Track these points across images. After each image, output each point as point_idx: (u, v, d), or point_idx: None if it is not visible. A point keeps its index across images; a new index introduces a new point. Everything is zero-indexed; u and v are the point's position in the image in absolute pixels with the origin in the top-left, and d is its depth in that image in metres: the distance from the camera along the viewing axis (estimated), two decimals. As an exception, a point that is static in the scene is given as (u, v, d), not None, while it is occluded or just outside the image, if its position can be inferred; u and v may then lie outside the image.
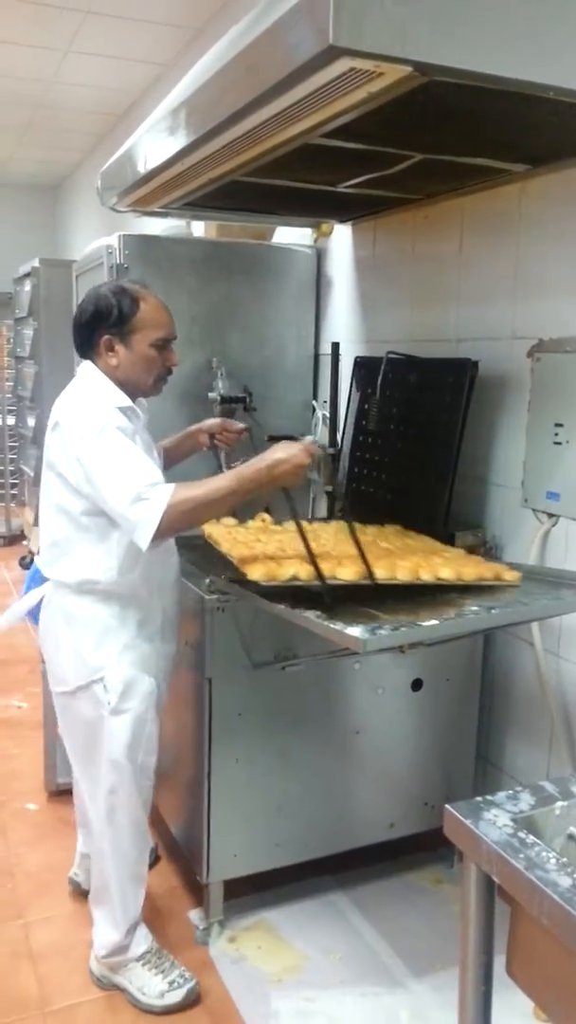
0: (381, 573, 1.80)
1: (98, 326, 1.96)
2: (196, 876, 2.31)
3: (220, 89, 1.69)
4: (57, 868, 2.58)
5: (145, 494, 1.77)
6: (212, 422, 2.37)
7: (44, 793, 3.02)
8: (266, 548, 2.00)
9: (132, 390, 1.99)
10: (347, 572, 1.79)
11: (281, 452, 1.83)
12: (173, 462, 2.33)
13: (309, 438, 2.80)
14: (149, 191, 2.39)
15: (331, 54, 1.28)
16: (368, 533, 2.23)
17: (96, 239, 3.11)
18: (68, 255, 5.89)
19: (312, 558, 1.78)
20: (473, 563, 1.99)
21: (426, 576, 1.84)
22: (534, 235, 2.22)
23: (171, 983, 2.08)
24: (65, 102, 5.42)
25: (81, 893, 2.39)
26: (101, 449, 1.83)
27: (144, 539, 1.77)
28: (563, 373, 2.12)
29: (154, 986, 2.07)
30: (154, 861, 2.53)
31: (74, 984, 2.15)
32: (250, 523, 2.28)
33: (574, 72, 1.43)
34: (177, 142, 1.94)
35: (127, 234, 2.83)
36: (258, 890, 2.41)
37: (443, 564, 1.91)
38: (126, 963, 2.11)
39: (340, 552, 1.93)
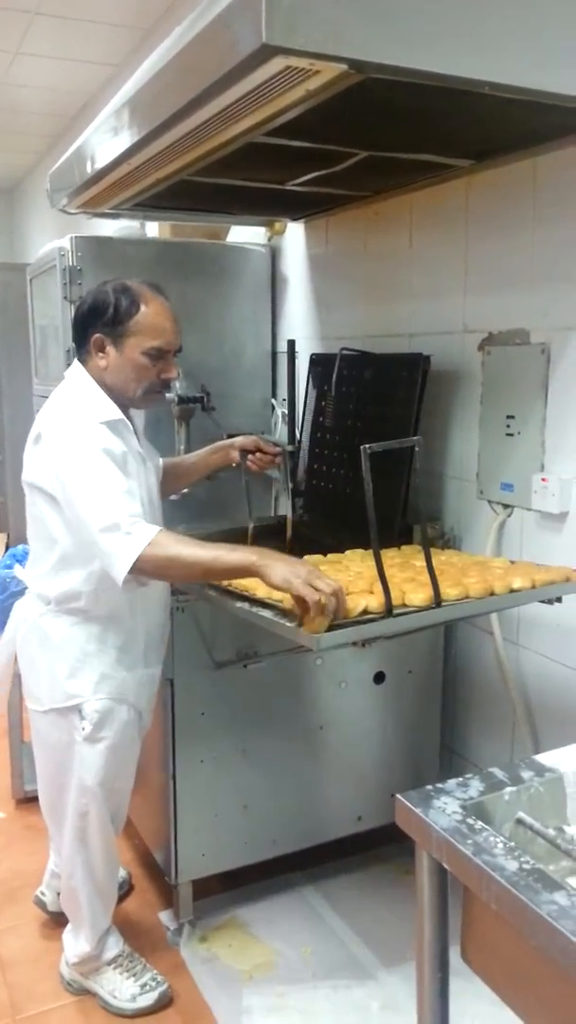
0: (454, 593, 1.71)
1: (92, 323, 1.85)
2: (165, 877, 2.31)
3: (161, 89, 1.69)
4: (25, 875, 2.57)
5: (126, 527, 1.66)
6: (246, 439, 2.22)
7: (12, 801, 3.00)
8: None
9: (119, 398, 1.88)
10: (418, 598, 1.68)
11: (282, 568, 1.59)
12: (198, 476, 2.25)
13: (270, 438, 2.83)
14: (98, 192, 2.37)
15: (265, 53, 1.28)
16: (392, 555, 2.09)
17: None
18: (25, 259, 5.84)
19: (386, 588, 1.61)
20: (532, 569, 1.91)
21: (499, 589, 1.76)
22: (482, 229, 2.24)
23: (143, 986, 2.08)
24: (16, 104, 5.37)
25: (46, 913, 2.35)
26: (82, 472, 1.73)
27: (120, 572, 1.66)
28: (513, 365, 2.14)
29: (126, 989, 2.07)
30: (127, 892, 2.47)
31: (45, 990, 2.14)
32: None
33: (509, 67, 1.44)
34: (122, 142, 1.93)
35: (79, 236, 2.82)
36: (228, 888, 2.42)
37: (505, 575, 1.82)
38: (97, 968, 2.11)
39: (389, 577, 1.70)
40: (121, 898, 2.37)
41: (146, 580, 1.74)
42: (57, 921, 2.29)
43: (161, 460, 2.21)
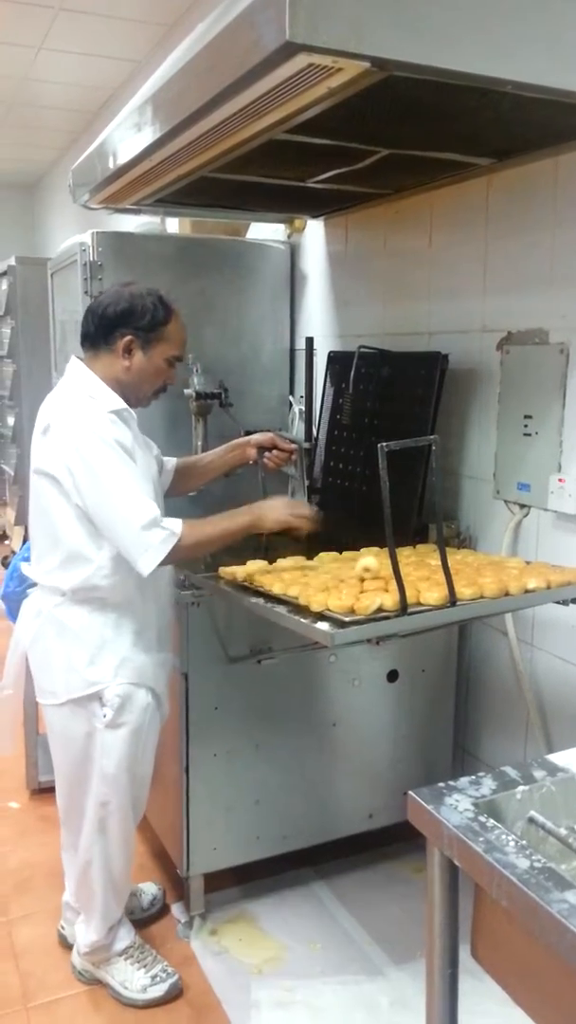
0: (468, 593, 1.72)
1: (124, 324, 1.91)
2: (177, 870, 2.33)
3: (184, 86, 1.70)
4: (38, 865, 2.59)
5: (160, 522, 1.79)
6: (262, 436, 2.26)
7: (26, 791, 3.02)
8: (326, 581, 1.81)
9: (128, 396, 1.94)
10: (433, 596, 1.69)
11: (271, 513, 1.92)
12: (215, 474, 2.27)
13: (286, 434, 2.83)
14: (120, 188, 2.39)
15: (288, 50, 1.28)
16: (408, 554, 2.10)
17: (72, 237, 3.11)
18: (46, 254, 5.87)
19: (401, 586, 1.64)
20: (547, 570, 1.91)
21: (514, 590, 1.77)
22: (502, 228, 2.23)
23: (153, 977, 2.09)
24: (39, 100, 5.40)
25: (68, 947, 2.23)
26: (100, 467, 1.80)
27: (150, 566, 1.78)
28: (531, 365, 2.14)
29: (136, 980, 2.08)
30: (159, 911, 2.39)
31: (56, 979, 2.16)
32: (280, 561, 2.05)
33: (531, 66, 1.44)
34: (144, 138, 1.94)
35: (100, 231, 2.83)
36: (239, 883, 2.44)
37: (520, 575, 1.82)
38: (109, 958, 2.12)
39: (404, 575, 1.73)
40: (153, 917, 2.35)
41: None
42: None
43: (177, 460, 2.25)
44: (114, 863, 2.05)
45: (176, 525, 1.81)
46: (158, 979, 2.09)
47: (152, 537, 1.78)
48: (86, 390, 1.91)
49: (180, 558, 1.87)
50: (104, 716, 1.92)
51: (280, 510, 1.93)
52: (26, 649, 2.04)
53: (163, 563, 1.80)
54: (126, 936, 2.14)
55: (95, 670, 1.92)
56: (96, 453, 1.80)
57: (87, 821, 2.03)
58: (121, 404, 1.91)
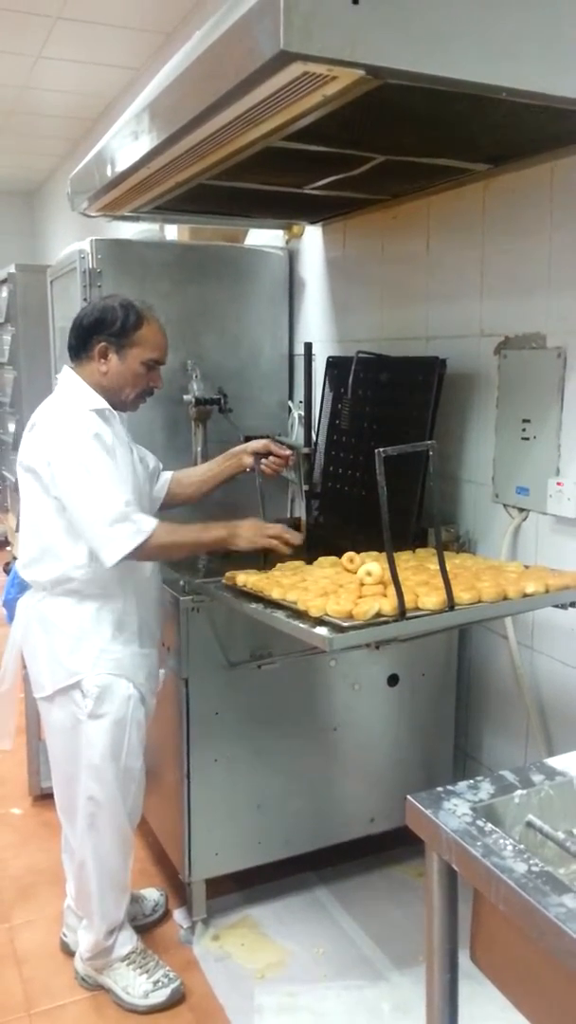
0: (467, 597, 1.73)
1: (98, 331, 2.01)
2: (178, 876, 2.33)
3: (181, 94, 1.71)
4: (41, 871, 2.60)
5: (131, 515, 1.85)
6: (258, 443, 2.28)
7: (28, 798, 3.03)
8: (325, 586, 1.81)
9: (111, 400, 2.02)
10: (431, 601, 1.69)
11: (245, 532, 2.00)
12: (213, 485, 2.29)
13: (285, 439, 2.84)
14: (118, 195, 2.40)
15: (283, 59, 1.29)
16: (407, 558, 2.09)
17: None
18: (46, 261, 5.89)
19: (399, 591, 1.64)
20: (546, 574, 1.90)
21: (513, 594, 1.77)
22: (499, 233, 2.24)
23: (155, 983, 2.09)
24: (38, 108, 5.42)
25: (70, 954, 2.23)
26: (76, 458, 1.87)
27: (113, 557, 1.85)
28: (529, 369, 2.14)
29: (139, 986, 2.08)
30: (161, 916, 2.39)
31: (59, 985, 2.16)
32: (280, 565, 2.06)
33: (526, 72, 1.45)
34: (142, 146, 1.95)
35: (99, 239, 2.84)
36: (241, 888, 2.44)
37: (519, 579, 1.83)
38: (111, 963, 2.12)
39: (403, 580, 1.73)
40: (154, 923, 2.36)
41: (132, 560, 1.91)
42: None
43: (173, 472, 2.28)
44: (109, 861, 2.06)
45: (148, 524, 1.87)
46: (160, 984, 2.09)
47: (120, 531, 1.84)
48: (71, 392, 2.02)
49: (148, 557, 1.96)
50: (85, 707, 1.97)
51: (253, 531, 2.00)
52: (20, 646, 2.11)
53: (129, 558, 1.85)
54: (128, 941, 2.14)
55: (75, 659, 1.98)
56: (74, 446, 1.88)
57: (79, 818, 2.06)
58: (103, 404, 1.99)
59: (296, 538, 2.03)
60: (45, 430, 1.96)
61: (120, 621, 2.02)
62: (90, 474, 1.87)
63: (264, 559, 2.06)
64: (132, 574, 2.00)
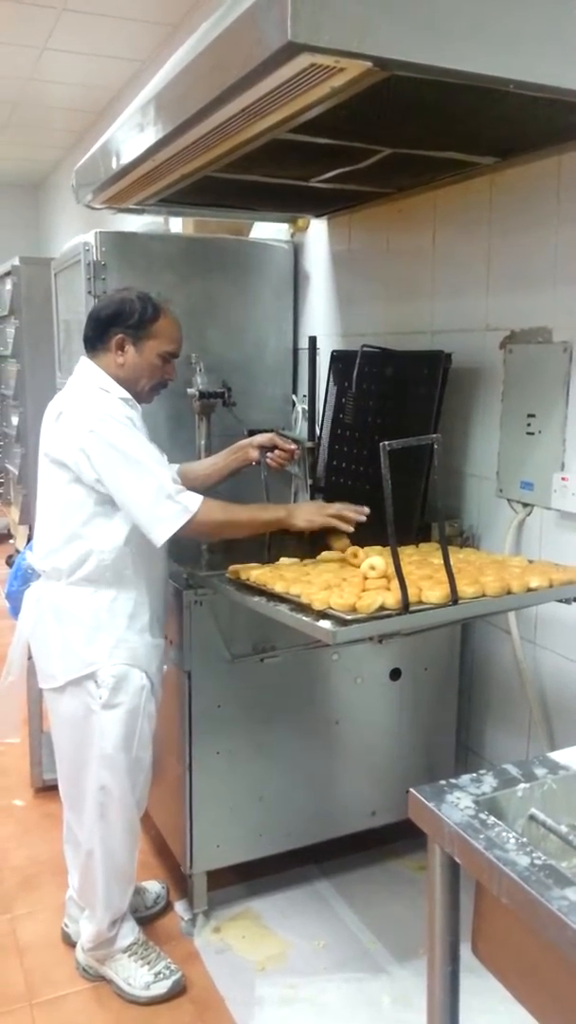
0: (470, 591, 1.73)
1: (116, 324, 2.02)
2: (180, 868, 2.33)
3: (187, 86, 1.70)
4: (43, 862, 2.60)
5: (176, 495, 1.88)
6: (263, 437, 2.30)
7: (31, 789, 3.03)
8: (328, 580, 1.81)
9: (128, 391, 2.04)
10: (434, 595, 1.69)
11: (304, 512, 2.03)
12: (218, 479, 2.30)
13: (289, 433, 2.84)
14: (123, 188, 2.39)
15: (291, 50, 1.29)
16: (410, 553, 2.10)
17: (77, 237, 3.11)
18: (51, 253, 5.88)
19: (403, 584, 1.65)
20: (550, 568, 1.91)
21: (516, 588, 1.78)
22: (505, 227, 2.24)
23: (157, 974, 2.09)
24: (44, 100, 5.41)
25: (71, 945, 2.24)
26: (117, 441, 1.89)
27: (163, 536, 1.87)
28: (535, 364, 2.14)
29: (140, 977, 2.09)
30: (163, 908, 2.39)
31: (61, 976, 2.17)
32: (283, 560, 2.04)
33: (533, 65, 1.44)
34: (147, 138, 1.94)
35: (104, 231, 2.84)
36: (243, 880, 2.44)
37: (522, 574, 1.83)
38: (112, 955, 2.13)
39: (406, 574, 1.74)
40: (156, 915, 2.36)
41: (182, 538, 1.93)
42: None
43: (179, 466, 2.27)
44: (117, 852, 2.07)
45: (193, 501, 1.89)
46: (161, 976, 2.09)
47: (167, 509, 1.86)
48: (97, 383, 2.02)
49: (200, 534, 2.00)
50: (100, 697, 1.97)
51: (312, 511, 2.04)
52: (28, 637, 2.10)
53: (179, 535, 1.87)
54: (130, 933, 2.15)
55: (91, 650, 1.97)
56: (112, 429, 1.90)
57: (88, 809, 2.05)
58: (127, 394, 2.02)
59: (357, 514, 2.04)
60: (75, 418, 1.94)
61: (134, 611, 2.02)
62: (132, 455, 1.89)
63: (268, 550, 2.05)
64: (147, 564, 2.01)
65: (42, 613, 2.04)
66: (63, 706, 2.03)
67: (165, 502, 1.86)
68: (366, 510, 2.05)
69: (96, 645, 1.98)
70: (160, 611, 2.12)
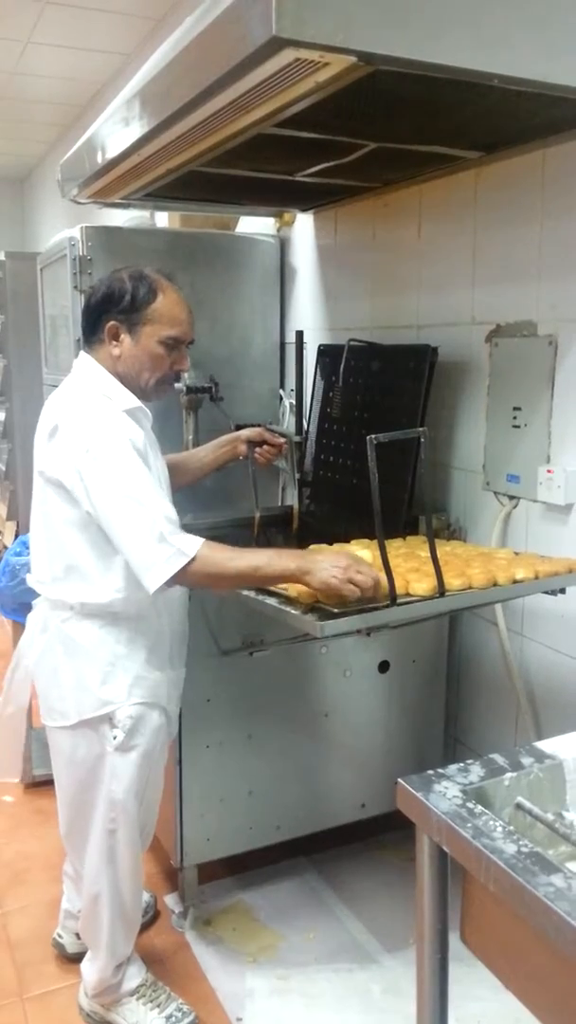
0: (457, 583, 1.72)
1: (106, 310, 1.78)
2: (171, 861, 2.34)
3: (171, 80, 1.70)
4: (34, 858, 2.61)
5: (171, 538, 1.62)
6: (252, 431, 2.21)
7: (20, 785, 3.03)
8: None
9: (131, 388, 1.80)
10: (422, 587, 1.68)
11: (322, 570, 1.60)
12: (207, 471, 2.23)
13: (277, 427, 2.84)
14: (108, 182, 2.39)
15: (275, 45, 1.29)
16: (398, 545, 2.09)
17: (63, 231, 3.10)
18: (36, 248, 5.85)
19: (390, 577, 1.63)
20: (536, 560, 1.91)
21: (503, 580, 1.76)
22: (490, 221, 2.25)
23: (168, 1018, 1.94)
24: (28, 93, 5.38)
25: (66, 956, 2.18)
26: (113, 470, 1.65)
27: (155, 582, 1.62)
28: (520, 357, 2.15)
29: (150, 1021, 1.94)
30: (152, 918, 2.33)
31: (52, 971, 2.18)
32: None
33: (518, 59, 1.45)
34: (132, 133, 1.94)
35: (89, 226, 2.83)
36: (233, 873, 2.45)
37: (509, 566, 1.83)
38: (120, 999, 1.97)
39: (393, 566, 1.72)
40: (146, 924, 2.26)
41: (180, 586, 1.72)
42: (76, 960, 2.13)
43: (167, 456, 2.14)
44: (124, 895, 1.91)
45: (189, 544, 1.62)
46: (174, 1019, 1.94)
47: (159, 552, 1.61)
48: (100, 388, 1.78)
49: (195, 584, 1.71)
50: (115, 738, 1.79)
51: (334, 572, 1.59)
52: (30, 666, 1.89)
53: (172, 583, 1.63)
54: (137, 974, 1.99)
55: (108, 689, 1.78)
56: (108, 456, 1.66)
57: (94, 851, 1.89)
58: (136, 402, 1.78)
59: (368, 580, 1.61)
60: (70, 436, 1.69)
61: (154, 644, 1.84)
62: (128, 490, 1.65)
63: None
64: (165, 596, 1.78)
65: (50, 644, 1.83)
66: (71, 746, 1.84)
67: (157, 545, 1.61)
68: (375, 577, 1.64)
69: (113, 684, 1.78)
70: (180, 638, 1.96)
